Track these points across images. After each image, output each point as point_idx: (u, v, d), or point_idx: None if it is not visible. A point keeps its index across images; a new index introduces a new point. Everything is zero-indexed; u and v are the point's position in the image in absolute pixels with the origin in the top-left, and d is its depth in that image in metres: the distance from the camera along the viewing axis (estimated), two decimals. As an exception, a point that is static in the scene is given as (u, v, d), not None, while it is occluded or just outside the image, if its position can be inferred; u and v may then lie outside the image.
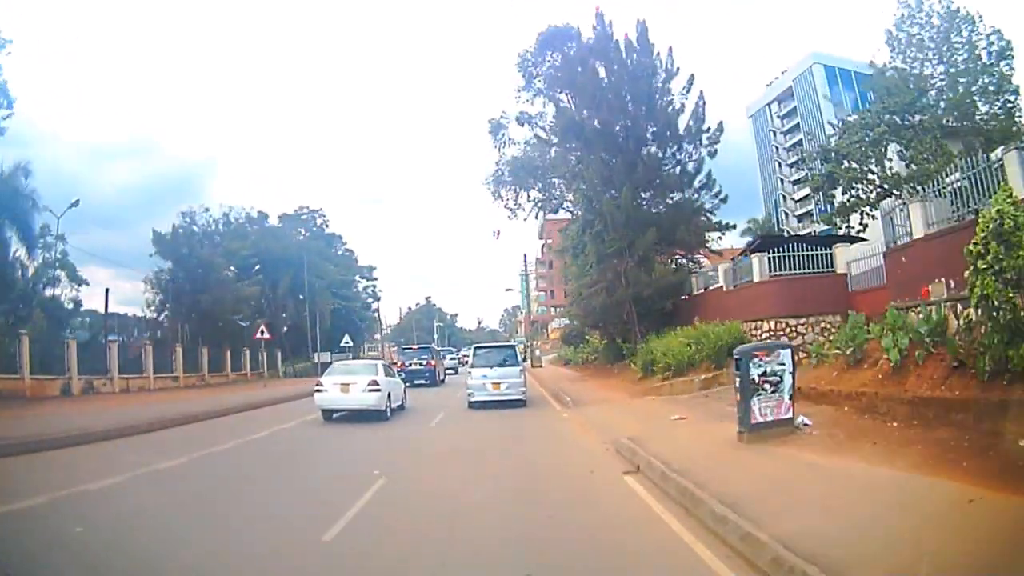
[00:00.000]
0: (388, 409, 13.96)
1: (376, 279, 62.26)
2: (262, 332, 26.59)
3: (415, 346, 33.01)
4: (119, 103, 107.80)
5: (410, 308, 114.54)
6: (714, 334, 16.11)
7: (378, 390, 13.43)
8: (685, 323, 19.65)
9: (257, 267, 39.41)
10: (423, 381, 25.54)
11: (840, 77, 73.69)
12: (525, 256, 46.60)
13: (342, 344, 37.69)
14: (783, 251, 16.98)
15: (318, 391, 13.59)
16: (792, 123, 69.27)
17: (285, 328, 43.22)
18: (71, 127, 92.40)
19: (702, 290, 21.57)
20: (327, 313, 42.24)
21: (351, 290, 56.67)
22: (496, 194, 28.12)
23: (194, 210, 41.32)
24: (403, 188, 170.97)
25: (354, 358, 58.94)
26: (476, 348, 17.84)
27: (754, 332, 16.58)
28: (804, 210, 62.76)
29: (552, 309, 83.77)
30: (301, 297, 40.69)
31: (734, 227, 26.02)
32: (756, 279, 17.04)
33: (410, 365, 26.22)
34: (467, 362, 22.26)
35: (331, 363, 41.39)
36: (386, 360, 24.72)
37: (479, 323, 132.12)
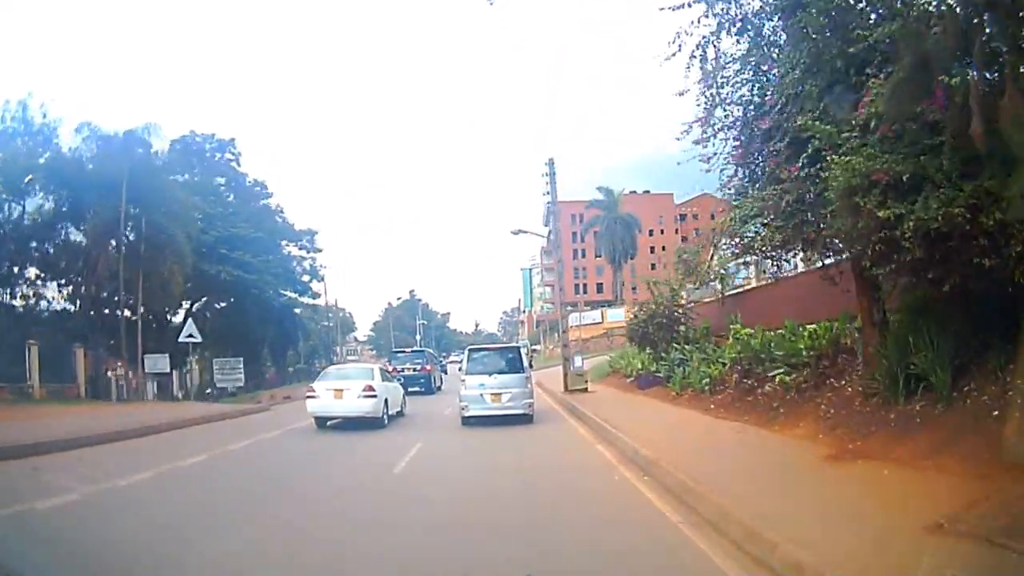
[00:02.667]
0: (385, 416, 13.58)
1: (320, 250, 41.94)
2: None
3: (408, 349, 30.45)
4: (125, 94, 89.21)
5: (390, 303, 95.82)
6: None
7: (374, 396, 13.07)
8: None
9: (26, 179, 20.94)
10: (418, 388, 22.94)
11: None
12: (550, 160, 23.18)
13: (183, 337, 20.18)
14: None
15: (310, 397, 13.28)
16: None
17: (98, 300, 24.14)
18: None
19: None
20: (173, 283, 23.43)
21: (286, 264, 38.20)
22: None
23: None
24: (396, 176, 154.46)
25: (273, 363, 40.56)
26: (471, 351, 14.88)
27: None
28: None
29: (562, 307, 65.85)
30: (113, 246, 22.01)
31: None
32: None
33: (403, 371, 23.26)
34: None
35: (169, 372, 24.43)
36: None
37: (476, 326, 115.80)
